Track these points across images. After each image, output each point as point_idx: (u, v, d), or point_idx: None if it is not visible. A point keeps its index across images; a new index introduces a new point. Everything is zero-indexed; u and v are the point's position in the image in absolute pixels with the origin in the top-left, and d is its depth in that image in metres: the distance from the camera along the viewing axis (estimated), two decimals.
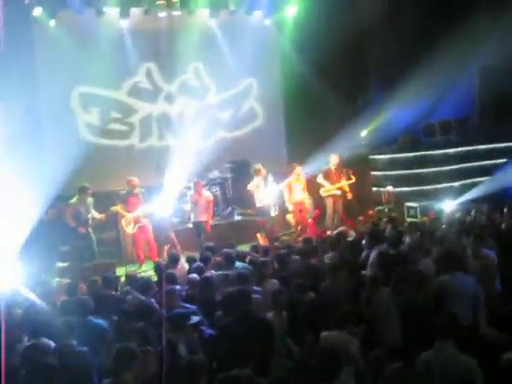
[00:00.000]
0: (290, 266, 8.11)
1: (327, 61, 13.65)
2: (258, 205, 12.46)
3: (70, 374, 5.12)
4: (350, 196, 12.97)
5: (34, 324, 5.95)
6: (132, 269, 11.06)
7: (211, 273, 7.82)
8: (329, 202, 13.05)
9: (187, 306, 6.57)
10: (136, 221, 11.57)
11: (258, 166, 12.52)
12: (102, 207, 11.54)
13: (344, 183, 12.90)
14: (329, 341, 5.31)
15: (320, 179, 13.02)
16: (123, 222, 11.64)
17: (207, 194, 12.31)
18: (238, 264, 8.33)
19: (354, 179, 12.92)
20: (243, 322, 5.59)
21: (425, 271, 6.93)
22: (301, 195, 12.64)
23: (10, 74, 12.38)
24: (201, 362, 4.98)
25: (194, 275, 7.68)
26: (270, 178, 12.64)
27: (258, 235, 12.23)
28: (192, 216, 12.19)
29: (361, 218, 13.55)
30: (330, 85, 14.10)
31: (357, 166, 13.72)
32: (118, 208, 11.53)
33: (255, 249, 9.58)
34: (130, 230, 11.63)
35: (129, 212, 11.57)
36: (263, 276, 7.50)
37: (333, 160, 13.06)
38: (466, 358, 4.65)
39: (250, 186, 12.49)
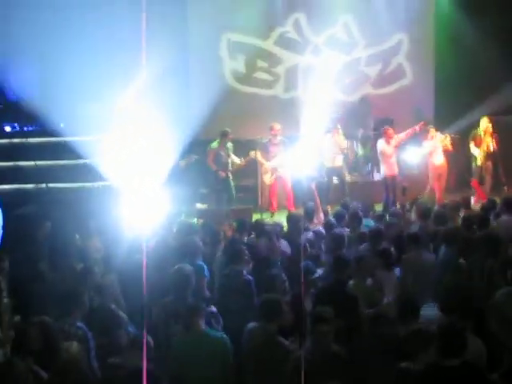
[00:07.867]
0: None
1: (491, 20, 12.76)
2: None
3: None
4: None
5: None
6: (266, 216, 11.01)
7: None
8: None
9: None
10: (273, 171, 11.45)
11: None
12: (240, 154, 11.63)
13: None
14: None
15: (472, 148, 12.24)
16: (262, 171, 11.58)
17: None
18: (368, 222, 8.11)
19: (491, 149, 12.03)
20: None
21: None
22: (441, 159, 12.06)
23: (163, 17, 12.75)
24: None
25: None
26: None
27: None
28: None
29: (505, 187, 12.67)
30: (492, 46, 13.14)
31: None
32: (257, 155, 11.47)
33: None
34: (267, 179, 11.55)
35: (267, 161, 11.47)
36: None
37: (483, 124, 12.22)
38: None
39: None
